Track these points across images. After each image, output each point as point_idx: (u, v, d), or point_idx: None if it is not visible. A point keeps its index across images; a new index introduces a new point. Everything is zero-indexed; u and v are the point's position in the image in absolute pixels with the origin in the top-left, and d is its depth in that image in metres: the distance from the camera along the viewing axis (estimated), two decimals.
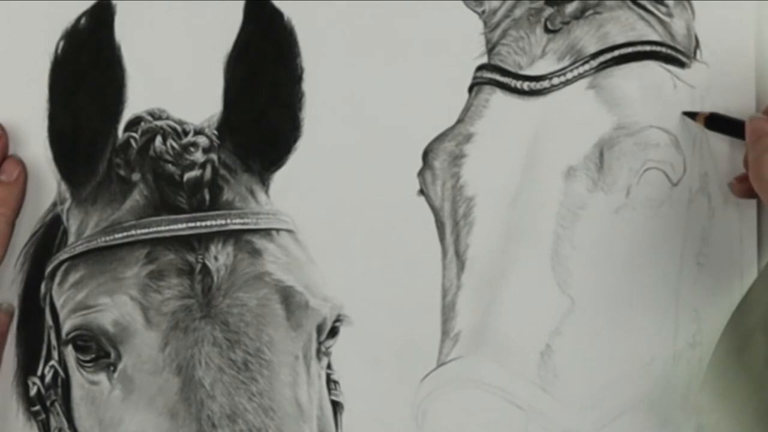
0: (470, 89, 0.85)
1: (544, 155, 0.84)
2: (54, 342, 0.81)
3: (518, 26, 0.85)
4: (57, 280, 0.81)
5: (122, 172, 0.81)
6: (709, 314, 0.84)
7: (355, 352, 0.83)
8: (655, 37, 0.85)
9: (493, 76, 0.85)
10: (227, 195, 0.81)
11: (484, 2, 0.85)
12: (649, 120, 0.84)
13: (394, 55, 0.84)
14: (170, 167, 0.81)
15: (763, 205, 0.82)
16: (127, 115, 0.82)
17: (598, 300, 0.84)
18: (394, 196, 0.85)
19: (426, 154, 0.85)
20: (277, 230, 0.82)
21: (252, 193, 0.82)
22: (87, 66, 0.81)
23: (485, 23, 0.85)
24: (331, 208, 0.84)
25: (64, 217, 0.82)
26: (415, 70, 0.84)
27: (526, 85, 0.84)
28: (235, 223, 0.80)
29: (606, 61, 0.84)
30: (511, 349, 0.83)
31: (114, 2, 0.81)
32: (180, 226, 0.80)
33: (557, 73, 0.84)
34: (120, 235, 0.80)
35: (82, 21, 0.81)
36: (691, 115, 0.84)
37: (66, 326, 0.80)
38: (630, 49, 0.85)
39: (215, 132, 0.82)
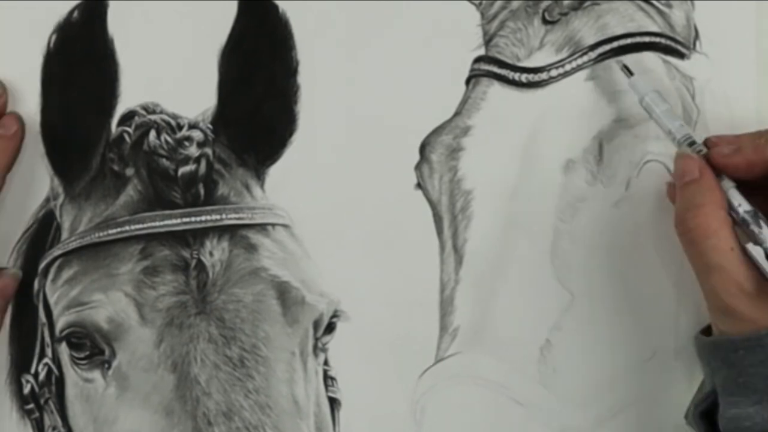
0: (467, 81, 0.85)
1: (542, 148, 0.84)
2: (47, 339, 0.81)
3: (516, 17, 0.85)
4: (50, 276, 0.81)
5: (116, 167, 0.81)
6: None
7: (353, 348, 0.83)
8: (654, 28, 0.85)
9: (491, 68, 0.84)
10: (222, 190, 0.81)
11: None
12: None
13: (390, 47, 0.84)
14: (164, 162, 0.80)
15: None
16: (120, 110, 0.82)
17: (598, 294, 0.83)
18: (391, 190, 0.84)
19: (423, 148, 0.84)
20: (273, 225, 0.82)
21: (247, 187, 0.82)
22: (80, 60, 0.81)
23: (482, 14, 0.85)
24: (327, 202, 0.83)
25: (57, 213, 0.82)
26: (411, 62, 0.84)
27: (524, 77, 0.84)
28: (230, 218, 0.80)
29: (605, 53, 0.84)
30: (510, 344, 0.82)
31: None
32: (174, 221, 0.79)
33: (555, 65, 0.84)
34: (114, 230, 0.80)
35: (75, 14, 0.81)
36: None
37: (59, 323, 0.79)
38: (629, 41, 0.84)
39: (210, 126, 0.81)
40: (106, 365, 0.78)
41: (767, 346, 0.71)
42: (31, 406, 0.81)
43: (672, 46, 0.85)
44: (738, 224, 0.74)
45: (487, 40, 0.85)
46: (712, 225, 0.74)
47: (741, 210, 0.74)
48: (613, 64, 0.83)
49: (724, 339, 0.74)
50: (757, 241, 0.73)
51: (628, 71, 0.81)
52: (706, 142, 0.78)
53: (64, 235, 0.81)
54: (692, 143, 0.78)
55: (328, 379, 0.83)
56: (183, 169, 0.80)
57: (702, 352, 0.76)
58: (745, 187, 0.76)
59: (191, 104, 0.82)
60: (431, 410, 0.82)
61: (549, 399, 0.82)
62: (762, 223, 0.73)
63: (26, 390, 0.81)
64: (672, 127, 0.79)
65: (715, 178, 0.75)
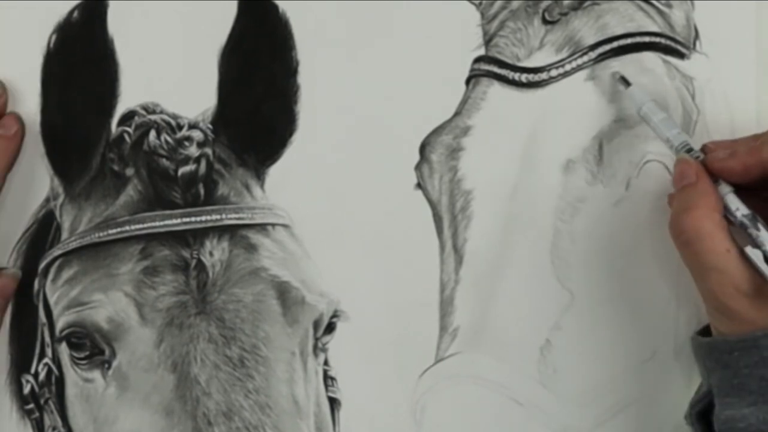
0: (467, 81, 0.85)
1: (542, 148, 0.84)
2: (48, 339, 0.81)
3: (516, 17, 0.85)
4: (50, 276, 0.81)
5: (116, 167, 0.81)
6: None
7: (353, 348, 0.83)
8: (654, 28, 0.85)
9: (491, 68, 0.84)
10: (222, 190, 0.81)
11: None
12: None
13: (390, 46, 0.84)
14: (164, 162, 0.80)
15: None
16: (120, 110, 0.81)
17: (598, 294, 0.83)
18: (391, 190, 0.84)
19: (423, 148, 0.84)
20: (273, 225, 0.82)
21: (247, 187, 0.82)
22: (80, 60, 0.81)
23: (482, 14, 0.85)
24: (327, 202, 0.83)
25: (57, 213, 0.82)
26: (411, 62, 0.84)
27: (524, 77, 0.84)
28: (230, 218, 0.80)
29: (605, 53, 0.84)
30: (510, 344, 0.82)
31: None
32: (174, 221, 0.79)
33: (555, 65, 0.84)
34: (114, 230, 0.80)
35: (75, 14, 0.81)
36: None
37: (59, 323, 0.79)
38: (629, 40, 0.84)
39: (210, 126, 0.81)
40: (106, 365, 0.78)
41: (762, 347, 0.71)
42: (31, 406, 0.81)
43: (672, 46, 0.85)
44: (736, 228, 0.74)
45: (487, 40, 0.85)
46: (706, 227, 0.73)
47: (739, 214, 0.74)
48: (612, 65, 0.83)
49: (720, 340, 0.74)
50: (756, 244, 0.73)
51: (625, 82, 0.81)
52: (704, 149, 0.78)
53: (64, 235, 0.81)
54: (689, 150, 0.78)
55: (328, 379, 0.83)
56: (183, 169, 0.80)
57: (698, 353, 0.76)
58: (744, 191, 0.76)
59: (191, 104, 0.82)
60: (431, 410, 0.82)
61: (549, 399, 0.82)
62: (760, 226, 0.73)
63: (26, 390, 0.81)
64: (670, 135, 0.79)
65: (711, 182, 0.75)
